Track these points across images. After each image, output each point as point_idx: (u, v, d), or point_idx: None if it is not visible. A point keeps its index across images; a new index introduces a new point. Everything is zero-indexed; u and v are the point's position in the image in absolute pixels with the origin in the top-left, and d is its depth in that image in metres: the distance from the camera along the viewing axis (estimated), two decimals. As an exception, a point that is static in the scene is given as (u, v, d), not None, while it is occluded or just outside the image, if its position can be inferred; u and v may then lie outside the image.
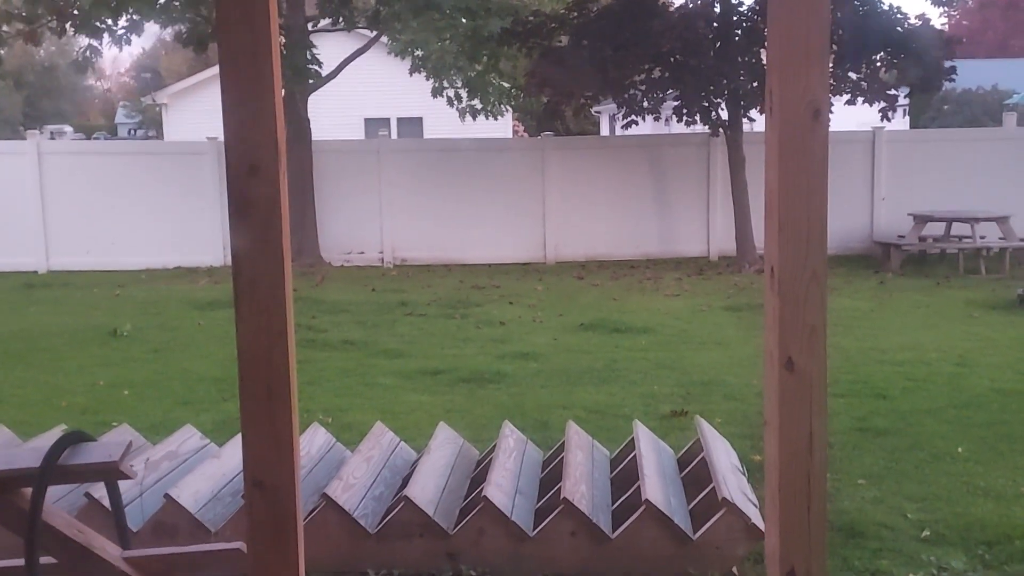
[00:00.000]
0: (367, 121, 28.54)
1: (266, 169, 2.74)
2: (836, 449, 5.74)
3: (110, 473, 2.96)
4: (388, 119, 29.63)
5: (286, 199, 2.81)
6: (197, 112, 26.40)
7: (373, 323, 10.50)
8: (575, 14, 15.53)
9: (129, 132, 48.59)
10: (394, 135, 28.30)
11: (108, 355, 8.97)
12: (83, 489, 4.24)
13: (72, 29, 14.63)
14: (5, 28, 14.51)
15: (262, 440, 2.81)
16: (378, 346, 9.19)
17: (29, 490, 2.91)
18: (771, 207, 2.98)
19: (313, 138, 15.85)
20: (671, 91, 15.25)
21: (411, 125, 29.08)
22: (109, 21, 14.26)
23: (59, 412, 6.77)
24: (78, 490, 4.31)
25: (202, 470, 4.45)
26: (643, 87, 15.31)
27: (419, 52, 16.73)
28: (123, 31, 14.53)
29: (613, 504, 4.42)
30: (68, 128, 44.81)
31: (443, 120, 22.76)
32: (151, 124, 45.16)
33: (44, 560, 2.91)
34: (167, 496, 4.10)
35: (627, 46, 14.35)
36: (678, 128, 16.60)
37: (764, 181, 2.95)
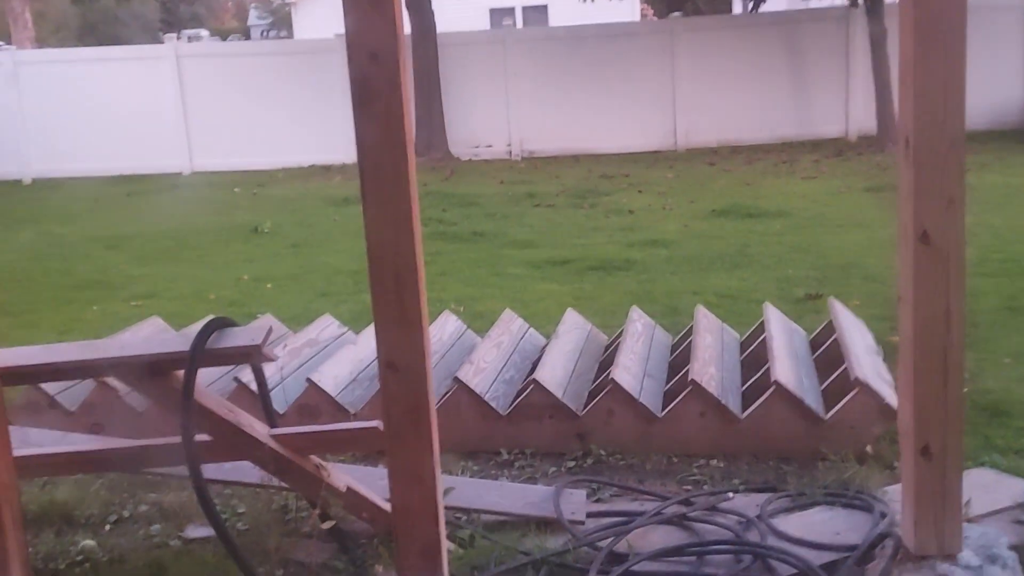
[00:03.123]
0: (492, 11, 28.22)
1: (386, 55, 2.76)
2: (982, 328, 5.54)
3: (253, 356, 3.12)
4: (512, 8, 29.20)
5: (408, 86, 2.82)
6: (325, 9, 26.61)
7: (502, 215, 10.58)
8: None
9: (262, 34, 49.35)
10: (519, 25, 27.91)
11: (251, 251, 9.34)
12: (232, 375, 4.49)
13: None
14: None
15: (392, 324, 2.91)
16: (507, 237, 9.27)
17: (181, 372, 3.11)
18: (906, 74, 2.85)
19: (438, 31, 15.78)
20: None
21: (536, 13, 28.61)
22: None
23: (208, 304, 7.12)
24: (227, 375, 4.57)
25: (341, 356, 4.63)
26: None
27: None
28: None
29: (743, 386, 4.40)
30: (204, 32, 45.84)
31: (569, 6, 22.31)
32: (282, 24, 45.76)
33: (199, 437, 3.11)
34: (309, 380, 4.29)
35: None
36: (814, 2, 15.84)
37: (899, 46, 2.82)
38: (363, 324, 5.63)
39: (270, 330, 3.19)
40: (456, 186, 12.81)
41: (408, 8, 15.93)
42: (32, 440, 3.53)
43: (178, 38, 19.69)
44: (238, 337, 3.09)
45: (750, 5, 17.51)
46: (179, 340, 3.58)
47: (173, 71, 15.92)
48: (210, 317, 5.42)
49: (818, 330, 4.92)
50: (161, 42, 17.03)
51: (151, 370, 3.09)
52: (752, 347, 4.78)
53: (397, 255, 2.88)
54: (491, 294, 7.08)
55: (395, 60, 2.75)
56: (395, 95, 2.77)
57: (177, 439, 3.30)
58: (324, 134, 16.00)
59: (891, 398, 3.97)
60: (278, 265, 8.58)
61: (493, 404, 4.19)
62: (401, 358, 2.89)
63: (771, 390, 4.01)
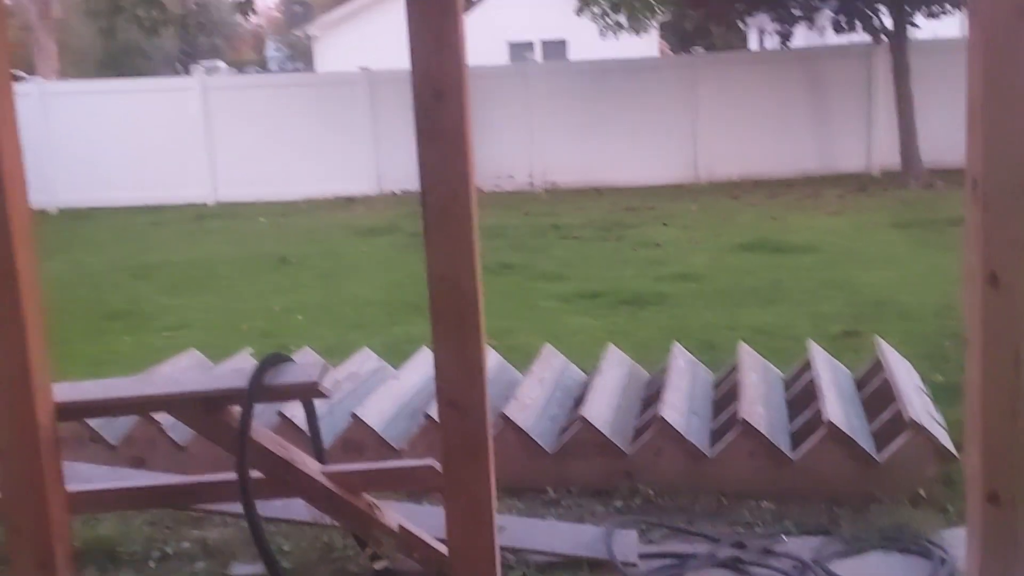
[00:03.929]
0: (511, 45, 28.39)
1: (451, 94, 2.77)
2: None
3: (310, 392, 3.11)
4: (531, 42, 29.37)
5: (470, 124, 2.83)
6: (347, 43, 26.84)
7: (529, 247, 10.58)
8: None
9: (279, 66, 49.76)
10: (538, 58, 28.07)
11: (279, 281, 9.35)
12: (275, 408, 4.46)
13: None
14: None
15: (454, 363, 2.89)
16: (536, 269, 9.26)
17: (236, 408, 3.09)
18: (974, 114, 2.84)
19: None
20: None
21: (555, 48, 28.76)
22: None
23: (241, 336, 7.12)
24: (269, 408, 4.55)
25: (383, 390, 4.61)
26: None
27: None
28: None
29: (791, 426, 4.35)
30: (221, 63, 46.25)
31: (587, 42, 22.42)
32: (300, 57, 46.11)
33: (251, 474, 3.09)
34: (354, 415, 4.26)
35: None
36: (833, 39, 15.88)
37: (967, 86, 2.81)
38: (397, 356, 5.61)
39: (325, 366, 3.18)
40: (481, 217, 12.71)
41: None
42: (82, 475, 3.51)
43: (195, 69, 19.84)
44: (295, 373, 3.08)
45: (762, 39, 17.55)
46: (235, 376, 3.56)
47: (199, 102, 16.05)
48: (249, 352, 5.45)
49: (865, 369, 4.87)
50: (182, 74, 17.19)
51: (207, 406, 3.07)
52: (797, 386, 4.73)
53: (459, 292, 2.87)
54: (524, 327, 7.05)
55: (460, 98, 2.76)
56: (460, 133, 2.78)
57: (230, 475, 3.29)
58: (347, 166, 16.09)
59: (945, 440, 3.93)
60: (308, 296, 8.59)
61: (539, 441, 4.16)
62: (462, 397, 2.87)
63: (823, 430, 3.96)
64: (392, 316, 7.63)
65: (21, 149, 2.86)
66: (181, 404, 3.08)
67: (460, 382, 2.87)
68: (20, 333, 2.85)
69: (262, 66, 51.81)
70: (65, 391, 3.02)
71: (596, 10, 17.12)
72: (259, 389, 3.00)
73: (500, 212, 13.39)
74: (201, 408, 3.07)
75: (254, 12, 16.34)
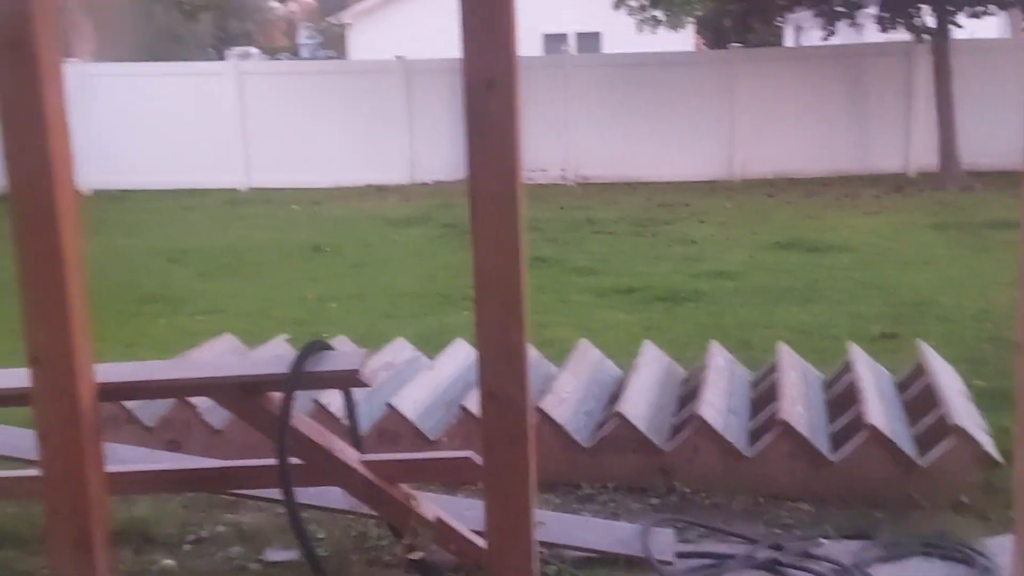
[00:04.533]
0: (545, 37, 28.29)
1: (502, 84, 2.74)
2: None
3: (351, 381, 3.09)
4: (566, 34, 29.25)
5: (520, 116, 2.80)
6: (380, 31, 26.86)
7: (563, 240, 10.53)
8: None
9: (311, 53, 49.85)
10: (573, 51, 27.95)
11: (312, 269, 9.36)
12: (310, 395, 4.45)
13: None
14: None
15: (497, 354, 2.86)
16: (570, 263, 9.21)
17: (276, 394, 3.08)
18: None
19: (497, 55, 15.82)
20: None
21: (589, 40, 28.63)
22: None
23: (273, 322, 7.12)
24: (304, 395, 4.54)
25: (418, 381, 4.59)
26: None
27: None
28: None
29: (830, 427, 4.29)
30: (254, 50, 46.39)
31: (621, 35, 22.30)
32: (331, 44, 46.16)
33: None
34: (389, 405, 4.25)
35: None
36: (872, 37, 15.70)
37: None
38: (430, 347, 5.58)
39: (366, 355, 3.16)
40: (513, 210, 12.75)
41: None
42: (120, 456, 3.51)
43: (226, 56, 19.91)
44: (337, 361, 3.06)
45: (799, 36, 17.38)
46: (274, 361, 3.56)
47: (234, 87, 16.10)
48: (284, 338, 5.45)
49: (906, 372, 4.80)
50: (215, 59, 17.25)
51: (246, 391, 3.06)
52: (837, 387, 4.67)
53: (504, 285, 2.84)
54: (558, 321, 7.01)
55: (512, 89, 2.72)
56: (510, 124, 2.74)
57: (267, 461, 3.28)
58: (380, 154, 16.09)
59: (989, 446, 3.86)
60: (341, 285, 8.59)
61: (575, 436, 4.13)
62: (504, 389, 2.84)
63: (864, 433, 3.91)
64: (425, 306, 7.61)
65: (70, 133, 2.86)
66: (222, 388, 3.07)
67: (502, 374, 2.84)
68: (64, 314, 2.86)
69: (294, 53, 51.94)
70: (106, 372, 3.02)
71: (633, 4, 17.01)
72: (300, 376, 2.98)
73: (533, 205, 13.32)
74: (241, 393, 3.06)
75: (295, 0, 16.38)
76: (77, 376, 2.86)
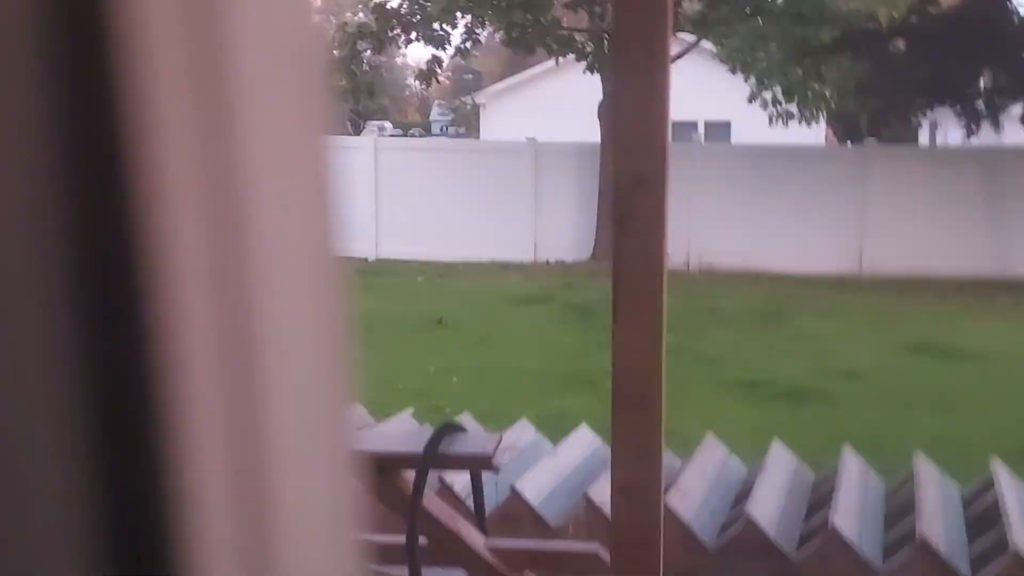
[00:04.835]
0: (675, 124, 28.46)
1: (652, 181, 2.76)
2: None
3: (482, 464, 3.11)
4: (696, 122, 29.37)
5: (668, 210, 2.81)
6: (512, 113, 27.43)
7: (684, 328, 10.40)
8: (914, 18, 14.65)
9: (441, 129, 51.19)
10: (701, 139, 28.02)
11: (434, 342, 9.50)
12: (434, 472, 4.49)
13: (417, 39, 15.72)
14: (360, 44, 15.86)
15: (631, 448, 2.84)
16: (692, 352, 9.10)
17: (407, 472, 3.12)
18: None
19: (627, 140, 16.01)
20: (1019, 98, 14.04)
21: (719, 129, 28.66)
22: (448, 28, 15.21)
23: (395, 394, 7.23)
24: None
25: (541, 466, 4.57)
26: (985, 94, 14.20)
27: (748, 58, 16.34)
28: (463, 39, 15.47)
29: (970, 548, 4.09)
30: (387, 124, 47.90)
31: (751, 125, 22.27)
32: (462, 122, 47.33)
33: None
34: (513, 489, 4.24)
35: (970, 51, 13.36)
36: (1014, 139, 15.28)
37: None
38: (551, 430, 5.57)
39: (500, 440, 3.18)
40: (635, 295, 12.72)
41: (599, 117, 16.24)
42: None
43: (363, 128, 20.59)
44: (470, 444, 3.09)
45: (934, 134, 17.04)
46: (408, 440, 3.62)
47: (370, 161, 16.63)
48: (411, 413, 5.53)
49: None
50: (351, 131, 17.88)
51: (381, 467, 3.11)
52: (978, 505, 4.45)
53: (644, 378, 2.83)
54: (678, 412, 6.87)
55: (662, 187, 2.75)
56: (658, 221, 2.75)
57: (390, 537, 3.31)
58: (505, 232, 16.32)
59: None
60: (462, 359, 8.68)
61: (700, 535, 4.04)
62: (637, 485, 2.80)
63: (1006, 559, 3.71)
64: (546, 388, 7.63)
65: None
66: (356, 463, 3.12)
67: (636, 471, 2.81)
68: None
69: (426, 129, 53.38)
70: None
71: (767, 96, 16.99)
72: (434, 457, 3.02)
73: (655, 290, 13.30)
74: (375, 469, 3.10)
75: (437, 82, 16.99)
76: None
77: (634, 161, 2.76)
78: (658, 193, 2.76)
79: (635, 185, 2.75)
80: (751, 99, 17.00)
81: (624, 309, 2.84)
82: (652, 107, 2.76)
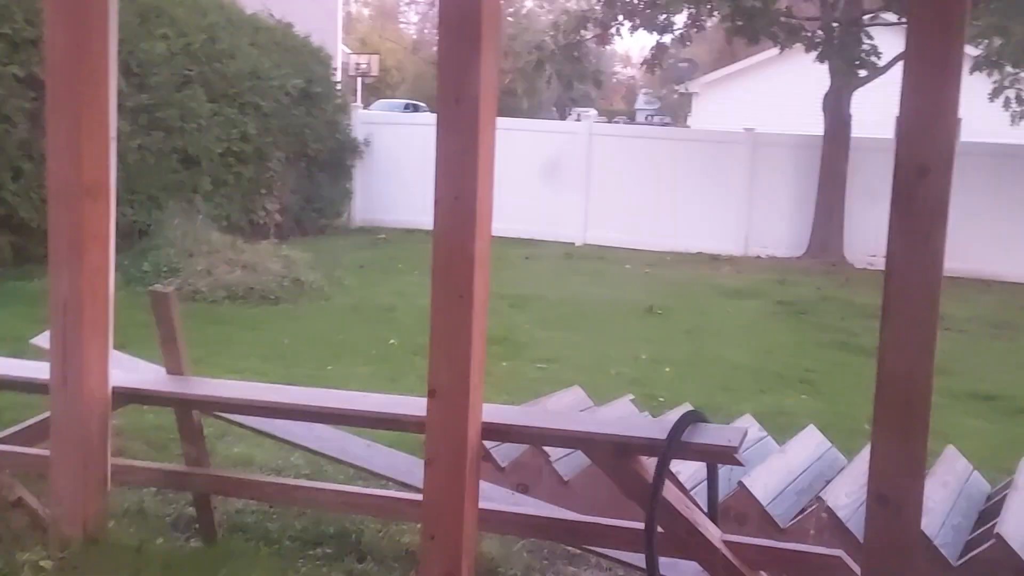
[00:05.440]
0: (896, 119, 27.13)
1: (936, 171, 2.61)
2: None
3: (725, 457, 3.02)
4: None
5: (949, 205, 2.66)
6: (725, 102, 26.86)
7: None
8: None
9: (646, 118, 50.73)
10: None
11: (645, 331, 9.41)
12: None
13: (640, 27, 15.60)
14: (583, 32, 15.94)
15: (892, 455, 2.72)
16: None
17: (647, 459, 3.08)
18: None
19: (852, 135, 15.40)
20: None
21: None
22: (673, 18, 15.07)
23: (610, 380, 7.21)
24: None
25: (769, 464, 4.44)
26: None
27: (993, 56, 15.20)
28: (687, 26, 15.26)
29: None
30: (593, 111, 47.93)
31: (984, 121, 20.85)
32: (668, 111, 46.78)
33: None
34: (741, 484, 4.13)
35: None
36: None
37: None
38: (769, 428, 5.39)
39: (745, 433, 3.09)
40: (853, 294, 12.20)
41: (824, 109, 15.64)
42: (485, 494, 3.65)
43: (569, 115, 20.60)
44: (715, 435, 3.01)
45: None
46: (650, 426, 3.58)
47: (584, 147, 16.65)
48: (630, 399, 5.49)
49: None
50: (556, 116, 17.90)
51: (622, 451, 3.08)
52: None
53: (911, 384, 2.69)
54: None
55: (946, 177, 2.59)
56: (940, 214, 2.60)
57: (621, 522, 3.28)
58: (716, 223, 15.99)
59: None
60: (673, 349, 8.56)
61: (943, 550, 3.80)
62: (897, 493, 2.66)
63: None
64: (760, 384, 7.42)
65: (493, 181, 3.03)
66: (599, 445, 3.11)
67: (897, 478, 2.67)
68: (466, 352, 3.01)
69: (631, 117, 53.07)
70: (490, 412, 3.16)
71: (1011, 94, 15.82)
72: (677, 445, 2.96)
73: (873, 291, 12.63)
74: (615, 452, 3.08)
75: (661, 69, 16.95)
76: (470, 411, 3.00)
77: (919, 149, 2.62)
78: (942, 184, 2.61)
79: (918, 174, 2.61)
80: (992, 98, 15.82)
81: (895, 309, 2.72)
82: (943, 95, 2.61)
